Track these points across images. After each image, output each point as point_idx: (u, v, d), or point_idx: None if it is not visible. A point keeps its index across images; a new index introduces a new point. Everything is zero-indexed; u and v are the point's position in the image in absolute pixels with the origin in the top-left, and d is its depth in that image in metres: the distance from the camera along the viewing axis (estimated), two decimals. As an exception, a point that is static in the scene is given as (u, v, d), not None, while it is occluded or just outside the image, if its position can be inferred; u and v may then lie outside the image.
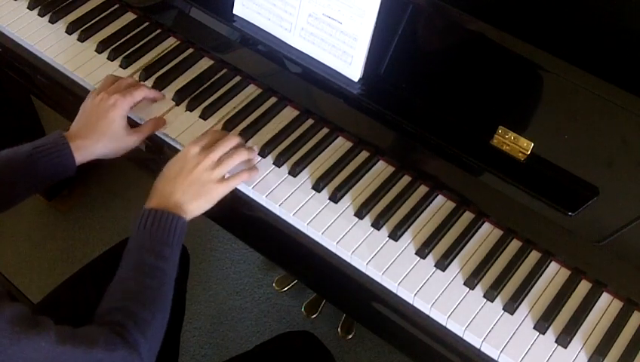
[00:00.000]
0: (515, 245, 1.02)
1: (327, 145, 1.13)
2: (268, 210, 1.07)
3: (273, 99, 1.19)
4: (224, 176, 1.03)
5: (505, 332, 0.94)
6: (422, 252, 1.01)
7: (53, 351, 0.75)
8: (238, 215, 1.12)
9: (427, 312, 0.97)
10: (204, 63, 1.25)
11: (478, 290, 0.98)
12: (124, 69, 1.24)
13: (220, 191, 1.02)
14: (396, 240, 1.02)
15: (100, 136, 1.07)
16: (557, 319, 0.95)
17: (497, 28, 1.00)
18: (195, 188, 0.99)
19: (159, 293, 0.90)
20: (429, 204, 1.06)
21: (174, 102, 1.19)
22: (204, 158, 1.01)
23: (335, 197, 1.06)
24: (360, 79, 1.12)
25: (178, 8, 1.28)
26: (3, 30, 1.32)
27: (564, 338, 0.93)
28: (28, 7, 1.34)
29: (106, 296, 0.89)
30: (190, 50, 1.27)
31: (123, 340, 0.82)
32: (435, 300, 0.96)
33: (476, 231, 1.04)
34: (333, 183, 1.08)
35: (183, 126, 1.16)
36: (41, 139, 1.04)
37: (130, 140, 1.11)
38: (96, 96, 1.11)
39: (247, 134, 1.13)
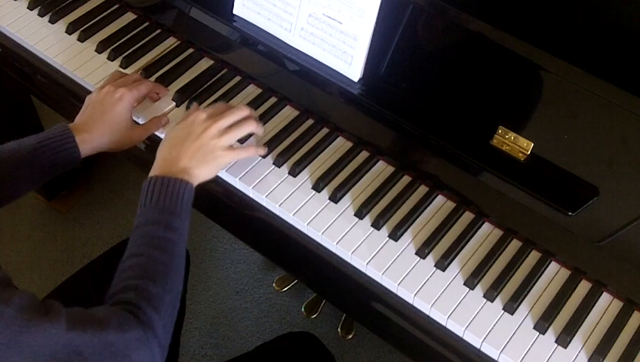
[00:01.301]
0: (515, 245, 1.02)
1: (327, 145, 1.13)
2: (268, 210, 1.07)
3: (273, 99, 1.19)
4: (231, 146, 1.02)
5: (505, 332, 0.94)
6: (422, 252, 1.01)
7: (63, 337, 0.74)
8: (238, 215, 1.12)
9: (427, 312, 0.97)
10: (204, 63, 1.25)
11: (478, 290, 0.98)
12: (124, 68, 1.24)
13: (228, 159, 1.02)
14: (396, 240, 1.02)
15: (106, 129, 1.07)
16: (557, 319, 0.95)
17: (497, 28, 1.00)
18: (202, 153, 0.98)
19: (170, 267, 0.88)
20: (429, 204, 1.06)
21: (174, 103, 1.19)
22: (211, 125, 1.00)
23: (335, 197, 1.06)
24: (360, 79, 1.12)
25: (178, 8, 1.28)
26: (3, 30, 1.32)
27: (564, 339, 0.93)
28: (28, 7, 1.34)
29: (117, 274, 0.87)
30: (190, 50, 1.27)
31: (137, 319, 0.80)
32: (435, 300, 0.96)
33: (476, 231, 1.04)
34: (333, 183, 1.08)
35: (183, 126, 1.16)
36: (46, 132, 1.03)
37: (134, 135, 1.11)
38: (102, 89, 1.11)
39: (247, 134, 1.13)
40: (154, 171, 0.96)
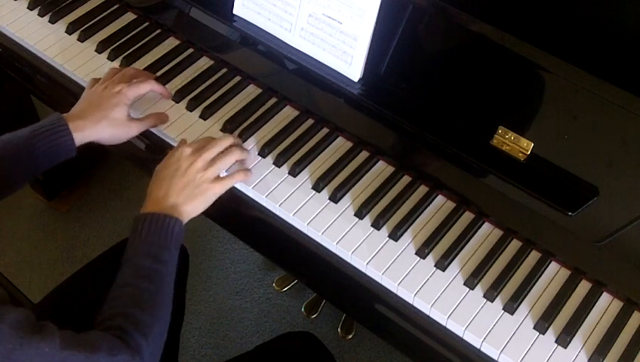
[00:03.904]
0: (515, 245, 1.02)
1: (327, 145, 1.13)
2: (268, 210, 1.07)
3: (273, 99, 1.19)
4: (219, 176, 1.03)
5: (505, 332, 0.94)
6: (422, 252, 1.01)
7: (57, 355, 0.75)
8: (238, 215, 1.12)
9: (427, 312, 0.97)
10: (204, 63, 1.25)
11: (478, 290, 0.98)
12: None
13: (216, 191, 1.02)
14: (396, 240, 1.02)
15: (101, 118, 1.07)
16: (557, 319, 0.95)
17: (497, 28, 1.00)
18: (189, 189, 0.99)
19: (158, 297, 0.89)
20: (429, 204, 1.06)
21: (174, 102, 1.19)
22: (196, 159, 1.01)
23: (335, 197, 1.06)
24: (360, 79, 1.12)
25: (178, 8, 1.28)
26: (3, 30, 1.32)
27: (564, 338, 0.93)
28: (28, 7, 1.34)
29: (106, 302, 0.89)
30: (190, 50, 1.27)
31: (125, 344, 0.82)
32: (435, 300, 0.96)
33: (476, 231, 1.04)
34: (333, 183, 1.08)
35: (182, 126, 1.16)
36: (40, 122, 1.04)
37: (130, 128, 1.10)
38: (100, 85, 1.11)
39: (247, 134, 1.13)
40: (145, 209, 0.97)
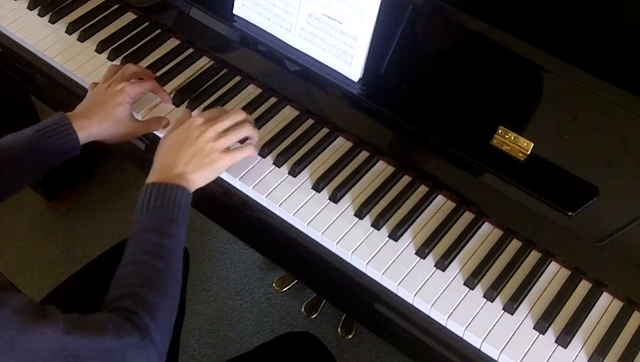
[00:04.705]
0: (515, 245, 1.02)
1: (327, 145, 1.13)
2: (268, 210, 1.07)
3: (273, 99, 1.19)
4: (228, 148, 1.02)
5: (505, 332, 0.94)
6: (422, 252, 1.01)
7: (60, 340, 0.74)
8: (238, 215, 1.12)
9: (427, 312, 0.97)
10: (204, 63, 1.25)
11: (478, 290, 0.98)
12: (124, 69, 1.24)
13: (225, 162, 1.00)
14: (396, 240, 1.02)
15: (105, 117, 1.07)
16: (557, 319, 0.95)
17: (497, 28, 1.00)
18: (198, 158, 0.98)
19: (167, 274, 0.87)
20: (429, 204, 1.06)
21: (174, 102, 1.19)
22: (207, 129, 1.00)
23: (335, 197, 1.06)
24: (360, 79, 1.12)
25: (178, 8, 1.28)
26: (3, 30, 1.32)
27: (564, 338, 0.93)
28: (28, 7, 1.34)
29: (113, 281, 0.87)
30: (190, 50, 1.27)
31: (133, 326, 0.80)
32: (435, 300, 0.96)
33: (476, 231, 1.04)
34: (333, 183, 1.08)
35: (183, 126, 1.16)
36: (44, 121, 1.03)
37: (133, 128, 1.11)
38: (102, 84, 1.11)
39: (247, 134, 1.14)
40: (151, 178, 0.96)
